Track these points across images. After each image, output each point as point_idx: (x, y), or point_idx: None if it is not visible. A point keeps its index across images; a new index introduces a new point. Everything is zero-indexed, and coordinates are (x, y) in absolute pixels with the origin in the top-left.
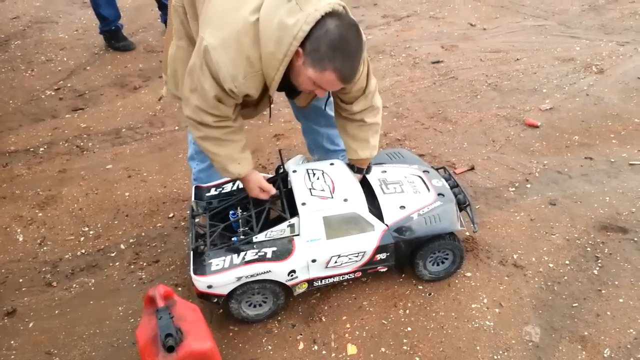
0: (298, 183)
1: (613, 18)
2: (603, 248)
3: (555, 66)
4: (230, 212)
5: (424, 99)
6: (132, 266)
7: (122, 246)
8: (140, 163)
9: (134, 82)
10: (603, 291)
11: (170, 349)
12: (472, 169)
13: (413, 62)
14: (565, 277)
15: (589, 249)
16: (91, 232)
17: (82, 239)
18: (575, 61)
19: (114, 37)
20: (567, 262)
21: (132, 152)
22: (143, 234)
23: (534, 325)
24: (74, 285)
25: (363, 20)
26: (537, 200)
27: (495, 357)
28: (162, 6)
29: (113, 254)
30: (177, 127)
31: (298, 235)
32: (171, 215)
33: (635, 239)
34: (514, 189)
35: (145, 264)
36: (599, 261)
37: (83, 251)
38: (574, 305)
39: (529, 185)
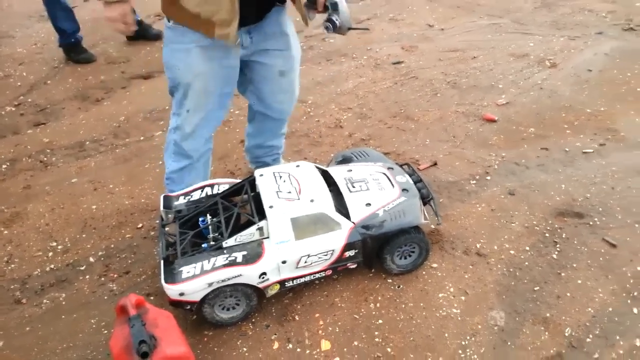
0: (265, 186)
1: (564, 14)
2: (561, 233)
3: (510, 62)
4: (200, 219)
5: (386, 99)
6: (103, 278)
7: (92, 259)
8: (106, 175)
9: (96, 94)
10: (562, 274)
11: (144, 355)
12: (435, 164)
13: (375, 64)
14: (526, 263)
15: (547, 234)
16: (59, 247)
17: (50, 254)
18: (529, 57)
19: (73, 50)
20: (527, 248)
21: (97, 165)
22: (112, 246)
23: (498, 310)
24: (44, 301)
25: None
26: (496, 191)
27: (463, 343)
28: (147, 37)
29: (82, 268)
30: (142, 138)
31: (267, 238)
32: (140, 225)
33: (591, 223)
34: (474, 181)
35: (115, 275)
36: (557, 246)
37: (52, 266)
38: (535, 289)
39: (488, 178)
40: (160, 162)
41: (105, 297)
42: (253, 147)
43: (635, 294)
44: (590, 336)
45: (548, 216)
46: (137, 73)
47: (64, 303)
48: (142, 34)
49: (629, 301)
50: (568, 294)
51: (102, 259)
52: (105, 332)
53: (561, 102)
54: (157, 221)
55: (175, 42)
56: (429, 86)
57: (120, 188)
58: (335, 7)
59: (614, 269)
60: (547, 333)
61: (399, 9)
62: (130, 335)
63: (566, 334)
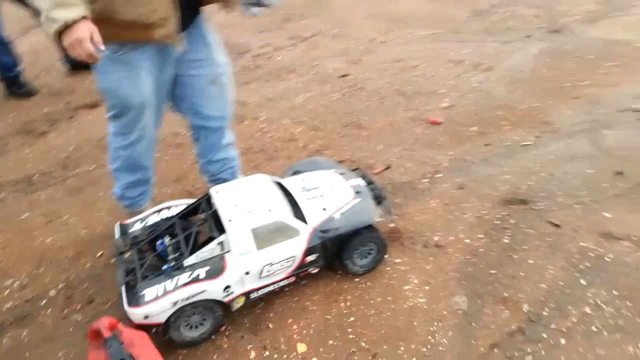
0: (222, 202)
1: (495, 21)
2: (509, 219)
3: (449, 68)
4: (158, 242)
5: (337, 110)
6: (66, 311)
7: (52, 293)
8: (58, 207)
9: (41, 127)
10: (514, 256)
11: None
12: (389, 167)
13: (322, 78)
14: (481, 249)
15: (497, 222)
16: (15, 284)
17: (7, 292)
18: (465, 62)
19: (14, 84)
20: (481, 236)
21: (48, 198)
22: (72, 277)
23: (460, 295)
24: (5, 340)
25: (270, 43)
26: (447, 187)
27: (432, 329)
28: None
29: (43, 302)
30: (94, 166)
31: (229, 251)
32: (99, 254)
33: (535, 208)
34: (426, 180)
35: (79, 306)
36: (507, 231)
37: (9, 304)
38: (492, 272)
39: (439, 175)
40: None
41: (71, 329)
42: (205, 164)
43: (581, 267)
44: (546, 309)
45: (496, 205)
46: (83, 103)
47: (27, 339)
48: (85, 64)
49: (576, 274)
50: (522, 274)
51: (63, 291)
52: None
53: (497, 101)
54: (113, 248)
55: (117, 69)
56: (376, 95)
57: (75, 218)
58: None
59: (560, 246)
60: (507, 311)
61: (342, 25)
62: (108, 356)
63: (524, 310)
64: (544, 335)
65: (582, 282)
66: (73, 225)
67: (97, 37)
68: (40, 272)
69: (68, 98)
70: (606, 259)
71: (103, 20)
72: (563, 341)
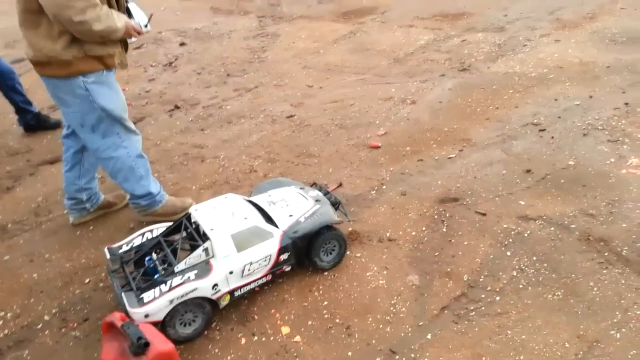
0: (202, 217)
1: (413, 65)
2: (445, 214)
3: (380, 104)
4: (147, 259)
5: (288, 144)
6: (63, 329)
7: (46, 317)
8: (38, 248)
9: (5, 183)
10: (452, 240)
11: (146, 345)
12: (340, 185)
13: (271, 120)
14: (425, 238)
15: (436, 216)
16: (9, 315)
17: (1, 322)
18: (393, 98)
19: None
20: (424, 228)
21: (26, 241)
22: (64, 302)
23: (413, 275)
24: None
25: (218, 95)
26: (392, 195)
27: (392, 302)
28: (20, 110)
29: (39, 326)
30: (66, 211)
31: (213, 257)
32: (87, 280)
33: (464, 203)
34: (374, 191)
35: (75, 325)
36: (445, 222)
37: (6, 332)
38: (435, 254)
39: (384, 187)
40: (92, 227)
41: (71, 344)
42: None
43: (506, 242)
44: (482, 277)
45: (434, 204)
46: (44, 159)
47: (29, 358)
48: (42, 125)
49: (502, 248)
50: (460, 253)
51: (57, 314)
52: None
53: (425, 126)
54: (105, 268)
55: (104, 89)
56: (321, 130)
57: (57, 255)
58: (129, 13)
59: (487, 229)
60: (451, 282)
61: (280, 77)
62: (121, 345)
63: (465, 279)
64: (482, 296)
65: (508, 253)
66: (56, 261)
67: (135, 26)
68: (31, 302)
69: (27, 156)
70: (525, 234)
71: (89, 57)
72: (497, 298)
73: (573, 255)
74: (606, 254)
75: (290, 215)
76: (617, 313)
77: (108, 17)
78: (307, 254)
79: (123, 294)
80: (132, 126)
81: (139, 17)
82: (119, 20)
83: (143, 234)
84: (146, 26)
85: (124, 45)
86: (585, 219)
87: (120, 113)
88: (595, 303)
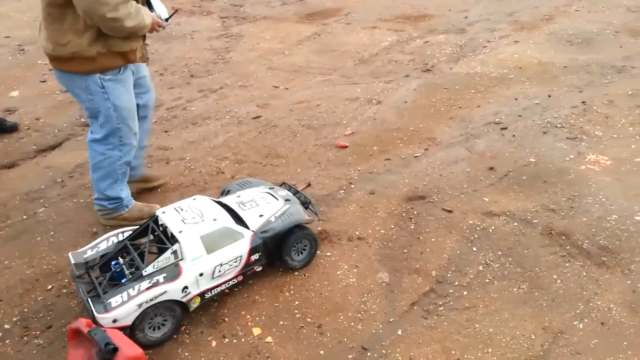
0: (170, 219)
1: (378, 66)
2: (413, 211)
3: (347, 105)
4: (113, 263)
5: (255, 145)
6: (25, 338)
7: (7, 326)
8: None
9: None
10: (420, 237)
11: (114, 351)
12: (309, 185)
13: (238, 121)
14: (394, 236)
15: (404, 214)
16: None
17: None
18: (360, 99)
19: None
20: (392, 226)
21: None
22: (25, 310)
23: (383, 272)
24: None
25: (182, 96)
26: (361, 194)
27: (363, 299)
28: (3, 130)
29: None
30: (24, 217)
31: (182, 259)
32: (50, 287)
33: (431, 200)
34: (342, 191)
35: (38, 332)
36: (412, 220)
37: None
38: (404, 251)
39: (352, 186)
40: (52, 233)
41: (34, 352)
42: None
43: (472, 238)
44: (449, 272)
45: (401, 202)
46: (0, 164)
47: None
48: None
49: (469, 244)
50: (428, 249)
51: (18, 322)
52: None
53: (391, 126)
54: (70, 274)
55: (119, 87)
56: (288, 130)
57: (17, 262)
58: (149, 5)
59: (454, 226)
60: (419, 278)
61: (245, 77)
62: (88, 351)
63: (433, 275)
64: (451, 291)
65: (474, 249)
66: (16, 268)
67: (158, 20)
68: None
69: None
70: (489, 230)
71: (113, 53)
72: (465, 292)
73: (536, 249)
74: (568, 247)
75: (261, 215)
76: (579, 304)
77: (138, 13)
78: (278, 253)
79: (89, 300)
80: (136, 128)
81: (160, 10)
82: (147, 16)
83: (108, 239)
84: (167, 20)
85: (144, 38)
86: (547, 214)
87: (130, 112)
88: (559, 295)
